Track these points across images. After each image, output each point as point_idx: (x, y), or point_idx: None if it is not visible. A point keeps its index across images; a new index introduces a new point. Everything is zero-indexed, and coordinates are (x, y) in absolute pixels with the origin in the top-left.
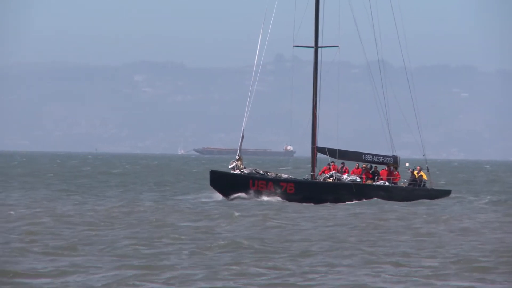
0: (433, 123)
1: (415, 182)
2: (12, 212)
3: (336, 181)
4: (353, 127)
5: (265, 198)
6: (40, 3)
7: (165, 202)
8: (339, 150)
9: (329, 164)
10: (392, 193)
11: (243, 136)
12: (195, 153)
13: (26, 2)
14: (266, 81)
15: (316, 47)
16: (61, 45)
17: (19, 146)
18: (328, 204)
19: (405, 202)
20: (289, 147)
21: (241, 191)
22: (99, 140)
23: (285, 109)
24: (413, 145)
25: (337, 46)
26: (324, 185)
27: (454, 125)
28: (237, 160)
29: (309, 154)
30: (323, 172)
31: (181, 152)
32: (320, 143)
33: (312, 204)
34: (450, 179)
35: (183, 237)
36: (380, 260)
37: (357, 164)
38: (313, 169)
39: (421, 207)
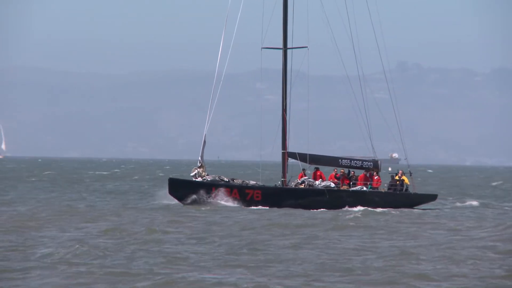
0: None
1: (395, 186)
2: None
3: (308, 187)
4: (474, 135)
5: (226, 204)
6: (158, 13)
7: None
8: (310, 155)
9: (303, 170)
10: (369, 199)
11: (204, 142)
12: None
13: (153, 12)
14: (388, 88)
15: (284, 49)
16: (183, 53)
17: (139, 154)
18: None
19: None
20: (395, 155)
21: (201, 199)
22: (222, 148)
23: (406, 117)
24: None
25: (306, 47)
26: (294, 192)
27: None
28: (199, 167)
29: (419, 162)
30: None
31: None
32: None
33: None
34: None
35: None
36: None
37: (335, 170)
38: (284, 175)
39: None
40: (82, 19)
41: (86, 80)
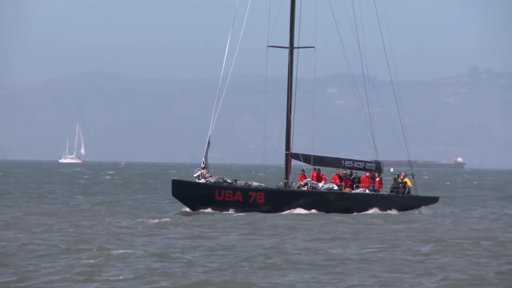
0: None
1: (397, 189)
2: None
3: (311, 189)
4: None
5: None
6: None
7: None
8: (314, 156)
9: (303, 171)
10: (372, 201)
11: (209, 143)
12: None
13: (222, 17)
14: (460, 93)
15: (291, 48)
16: (252, 58)
17: (211, 159)
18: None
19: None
20: (459, 159)
21: (206, 202)
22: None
23: (478, 122)
24: None
25: (313, 47)
26: (297, 194)
27: None
28: (203, 168)
29: (494, 166)
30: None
31: None
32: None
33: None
34: None
35: None
36: None
37: (337, 171)
38: (286, 177)
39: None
40: (155, 25)
41: (159, 86)
